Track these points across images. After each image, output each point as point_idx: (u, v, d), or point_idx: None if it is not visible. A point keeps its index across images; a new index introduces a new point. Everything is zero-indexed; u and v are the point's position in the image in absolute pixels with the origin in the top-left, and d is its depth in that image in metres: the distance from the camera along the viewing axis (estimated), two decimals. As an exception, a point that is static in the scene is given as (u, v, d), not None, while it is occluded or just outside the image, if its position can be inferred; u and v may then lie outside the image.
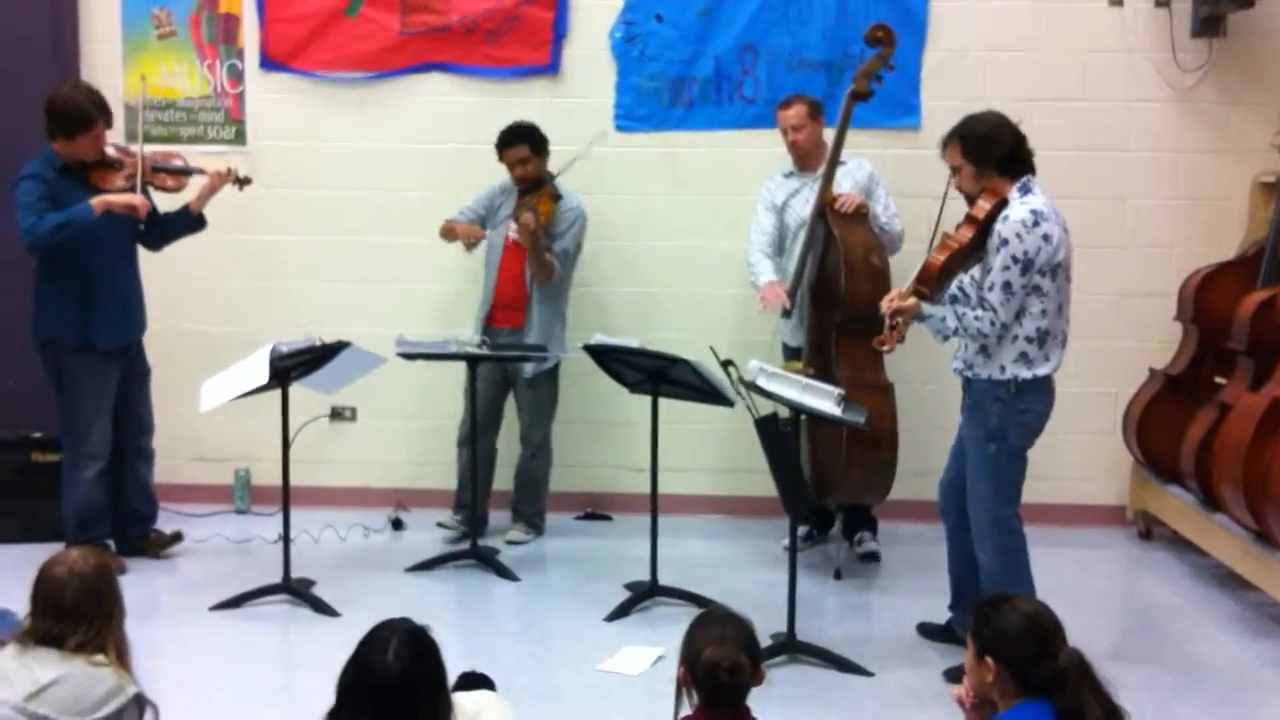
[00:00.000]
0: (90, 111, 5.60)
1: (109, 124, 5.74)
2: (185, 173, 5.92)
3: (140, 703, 3.15)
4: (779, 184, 6.15)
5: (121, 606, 3.25)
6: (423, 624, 2.86)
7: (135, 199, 5.63)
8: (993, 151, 4.63)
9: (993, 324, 4.55)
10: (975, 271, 4.74)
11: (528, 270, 6.21)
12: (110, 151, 5.80)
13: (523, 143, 6.15)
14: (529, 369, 6.27)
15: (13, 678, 3.04)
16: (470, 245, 6.23)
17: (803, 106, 5.98)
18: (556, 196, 6.17)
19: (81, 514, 5.80)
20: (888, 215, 5.90)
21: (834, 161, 5.85)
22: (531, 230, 5.99)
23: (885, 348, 4.90)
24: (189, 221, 5.96)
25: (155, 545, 6.09)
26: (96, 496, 5.84)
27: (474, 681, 3.61)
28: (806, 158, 6.02)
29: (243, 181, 5.98)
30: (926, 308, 4.69)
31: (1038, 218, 4.50)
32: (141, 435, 6.05)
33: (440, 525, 6.39)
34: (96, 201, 5.55)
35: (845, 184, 5.93)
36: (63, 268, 5.64)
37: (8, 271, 6.06)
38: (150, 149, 5.94)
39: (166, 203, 5.99)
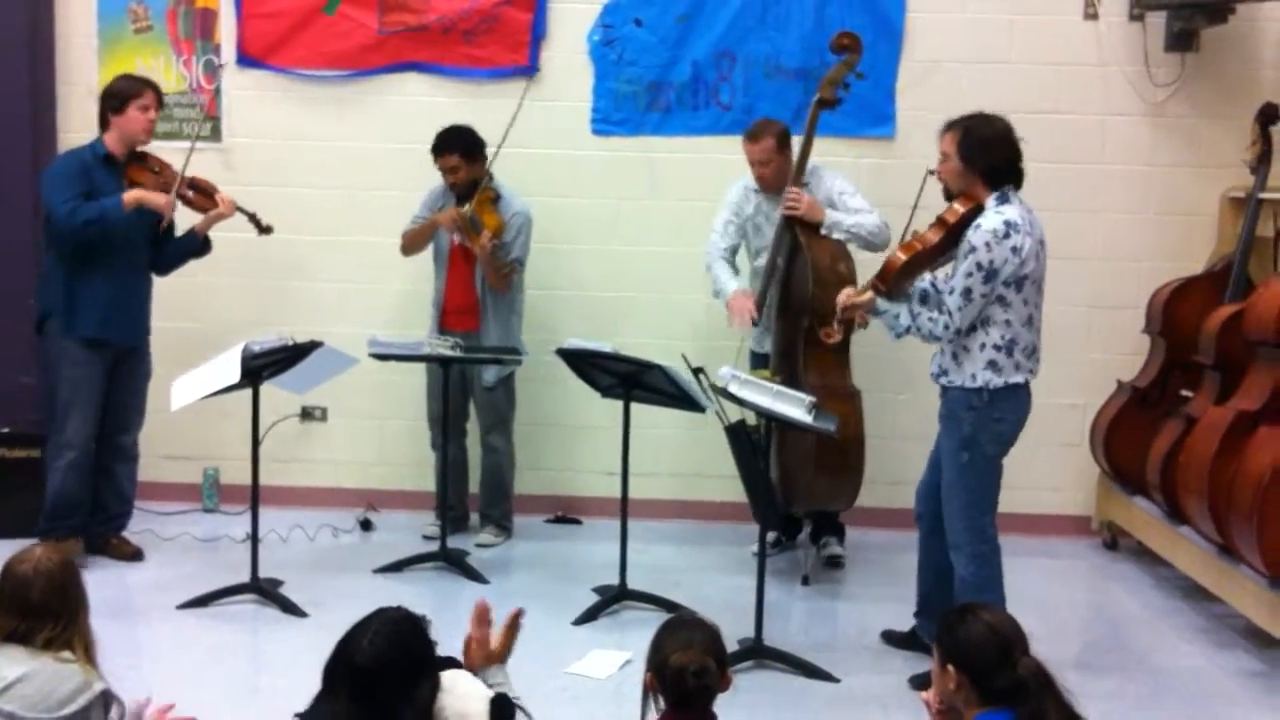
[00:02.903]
0: (140, 84, 5.80)
1: (159, 101, 5.84)
2: (212, 194, 5.95)
3: (107, 699, 3.16)
4: (747, 196, 6.13)
5: (86, 602, 3.26)
6: (420, 614, 2.94)
7: (164, 199, 5.74)
8: (986, 159, 4.62)
9: (946, 327, 4.57)
10: (945, 273, 4.76)
11: (476, 274, 6.21)
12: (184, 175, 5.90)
13: (453, 152, 6.10)
14: (491, 376, 6.27)
15: None
16: (459, 230, 6.13)
17: (770, 140, 5.90)
18: (495, 199, 6.15)
19: (54, 505, 5.79)
20: (852, 221, 5.78)
21: (800, 169, 5.86)
22: (490, 251, 5.99)
23: (831, 340, 4.99)
24: (194, 244, 6.02)
25: (117, 550, 6.05)
26: (72, 488, 5.81)
27: (443, 663, 3.63)
28: (771, 185, 6.01)
29: (263, 228, 6.07)
30: (882, 303, 4.71)
31: (1009, 229, 4.51)
32: (120, 434, 6.02)
33: (425, 538, 6.37)
34: (130, 197, 5.66)
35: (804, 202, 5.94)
36: (68, 246, 5.68)
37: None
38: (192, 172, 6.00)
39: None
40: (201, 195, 5.92)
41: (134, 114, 5.73)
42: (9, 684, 3.03)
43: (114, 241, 5.69)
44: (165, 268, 6.08)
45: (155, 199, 5.72)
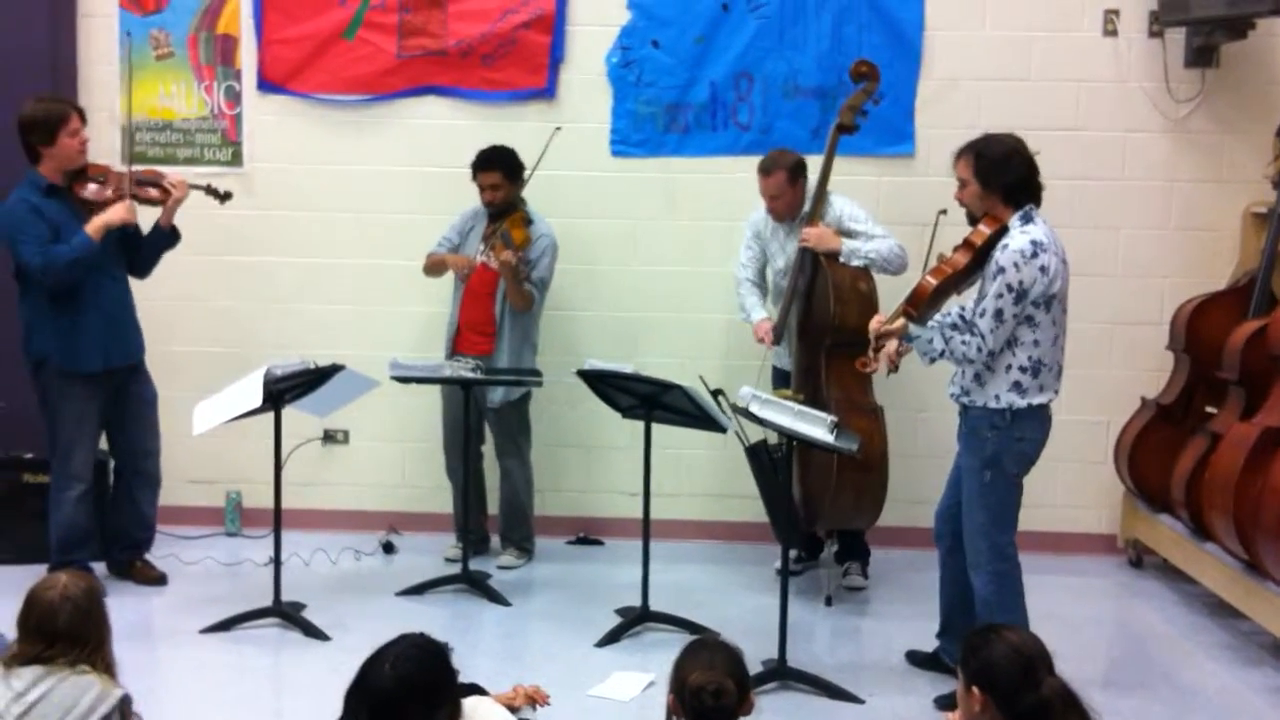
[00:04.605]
0: (62, 107, 5.69)
1: (84, 119, 5.75)
2: (159, 183, 5.88)
3: (124, 706, 3.17)
4: (766, 220, 6.13)
5: (110, 628, 3.28)
6: (443, 641, 2.96)
7: (125, 210, 5.68)
8: (1003, 176, 4.62)
9: (979, 350, 4.55)
10: (972, 299, 4.75)
11: (497, 294, 6.22)
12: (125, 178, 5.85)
13: (497, 169, 6.14)
14: (497, 398, 6.27)
15: None
16: (464, 274, 6.23)
17: (782, 175, 5.89)
18: (528, 221, 6.18)
19: (65, 536, 5.78)
20: (870, 248, 5.79)
21: (820, 192, 5.87)
22: (513, 265, 6.00)
23: (868, 369, 4.94)
24: (163, 238, 5.94)
25: (141, 575, 6.06)
26: (80, 519, 5.82)
27: (464, 690, 3.64)
28: (783, 217, 6.01)
29: (222, 196, 5.99)
30: (914, 328, 4.70)
31: (1037, 249, 4.51)
32: (142, 458, 6.03)
33: (448, 560, 6.38)
34: (93, 228, 5.59)
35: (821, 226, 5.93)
36: (55, 293, 5.63)
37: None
38: (136, 167, 5.99)
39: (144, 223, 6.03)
40: (155, 189, 5.85)
41: (65, 141, 5.63)
42: (32, 704, 3.05)
43: (96, 269, 5.66)
44: (144, 269, 6.02)
45: (117, 214, 5.66)
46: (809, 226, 5.85)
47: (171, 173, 5.98)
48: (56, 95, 5.91)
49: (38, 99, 5.79)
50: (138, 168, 5.95)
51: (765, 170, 5.96)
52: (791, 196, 5.93)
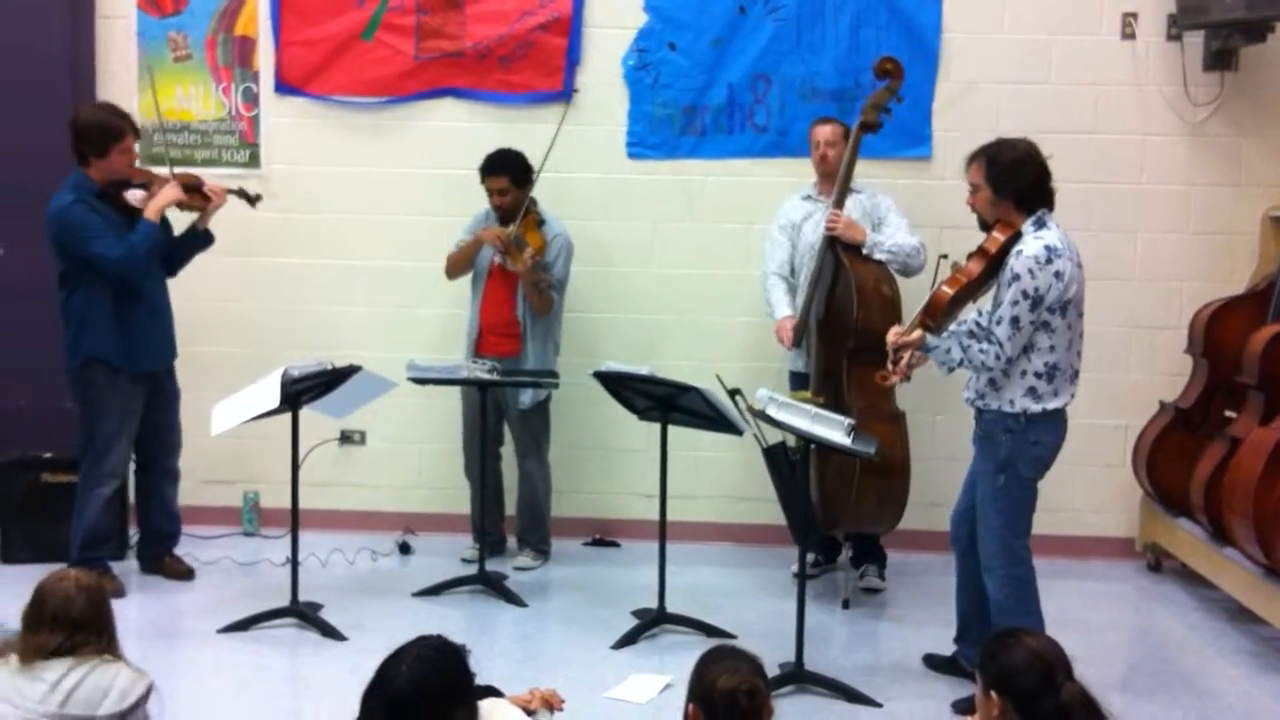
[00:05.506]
0: (119, 122, 5.71)
1: (137, 134, 5.82)
2: (200, 188, 5.93)
3: (149, 691, 3.23)
4: (795, 205, 6.18)
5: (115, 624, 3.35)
6: (460, 643, 2.97)
7: (174, 189, 5.76)
8: (1015, 182, 4.61)
9: (998, 358, 4.54)
10: (987, 306, 4.74)
11: (516, 296, 6.22)
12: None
13: (505, 174, 6.14)
14: (527, 399, 6.28)
15: (26, 692, 3.10)
16: (499, 247, 6.15)
17: (839, 126, 6.03)
18: (540, 223, 6.18)
19: (89, 534, 5.81)
20: (893, 242, 5.82)
21: (843, 190, 5.86)
22: (529, 267, 6.00)
23: (888, 382, 4.91)
24: (198, 239, 6.01)
25: (170, 569, 6.11)
26: (107, 518, 5.87)
27: (481, 692, 3.65)
28: (831, 177, 6.02)
29: (253, 199, 6.08)
30: (931, 339, 4.69)
31: (1051, 254, 4.50)
32: (169, 455, 6.10)
33: (464, 561, 6.40)
34: (150, 212, 5.67)
35: (855, 214, 5.93)
36: (108, 288, 5.67)
37: (20, 296, 6.10)
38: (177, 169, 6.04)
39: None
40: (195, 194, 5.90)
41: (116, 157, 5.68)
42: (69, 693, 3.10)
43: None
44: (175, 268, 6.07)
45: (168, 195, 5.73)
46: (836, 210, 5.85)
47: (209, 178, 6.03)
48: (115, 107, 5.86)
49: (97, 107, 5.88)
50: (178, 170, 6.00)
51: (823, 120, 6.11)
52: (843, 149, 5.95)
